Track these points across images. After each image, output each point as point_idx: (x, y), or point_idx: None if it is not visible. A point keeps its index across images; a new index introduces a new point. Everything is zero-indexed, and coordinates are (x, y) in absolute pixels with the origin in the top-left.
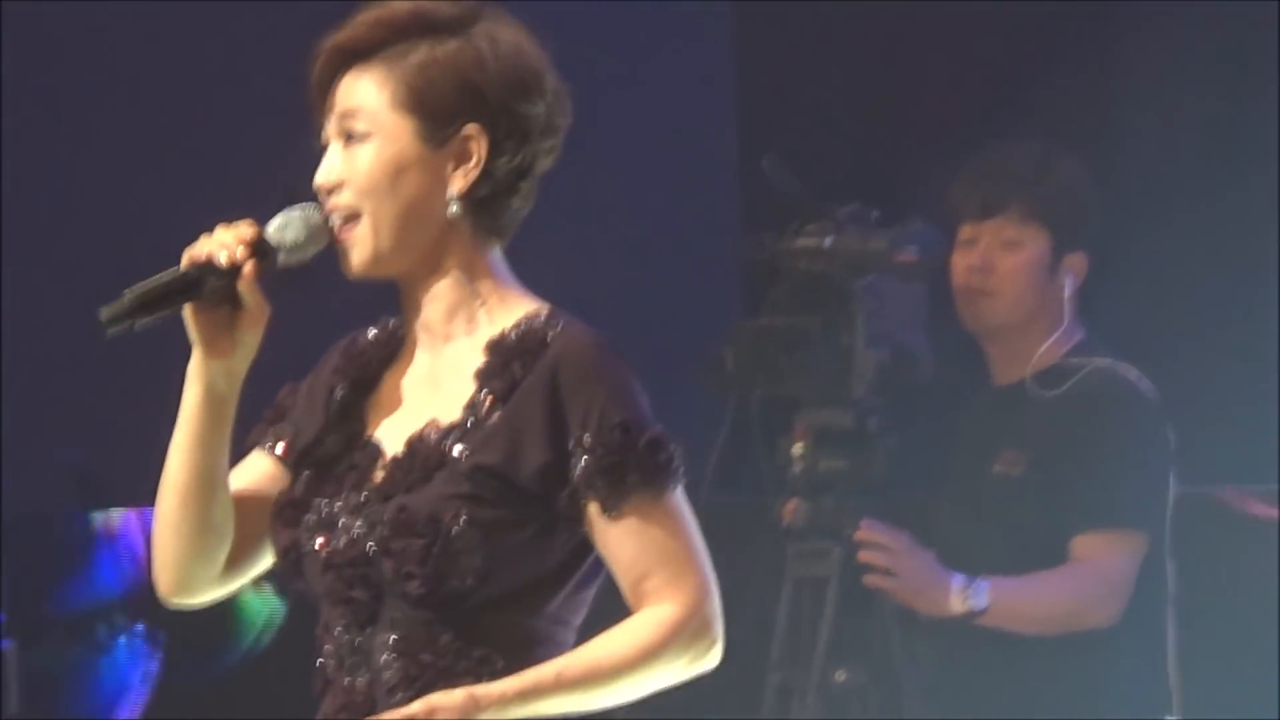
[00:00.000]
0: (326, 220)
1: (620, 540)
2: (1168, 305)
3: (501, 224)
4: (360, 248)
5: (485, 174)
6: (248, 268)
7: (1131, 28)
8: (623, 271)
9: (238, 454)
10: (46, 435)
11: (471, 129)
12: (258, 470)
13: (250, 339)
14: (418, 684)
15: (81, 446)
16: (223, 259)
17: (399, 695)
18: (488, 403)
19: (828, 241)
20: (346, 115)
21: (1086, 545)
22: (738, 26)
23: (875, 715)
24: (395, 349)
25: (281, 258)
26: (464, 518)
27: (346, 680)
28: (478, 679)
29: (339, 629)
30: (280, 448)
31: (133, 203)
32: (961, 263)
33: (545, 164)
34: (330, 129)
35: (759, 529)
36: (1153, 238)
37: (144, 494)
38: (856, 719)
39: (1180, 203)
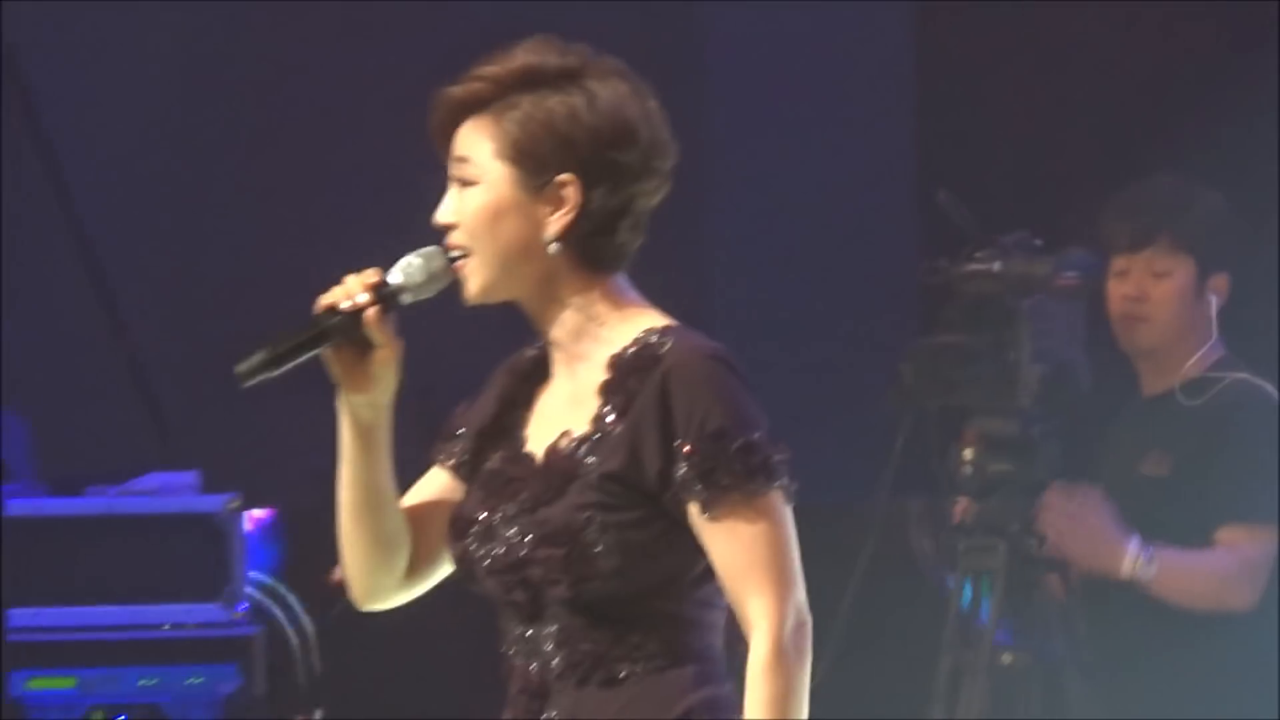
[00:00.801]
0: (447, 262)
1: (715, 539)
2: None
3: (607, 257)
4: (472, 280)
5: (583, 216)
6: (370, 312)
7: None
8: (814, 294)
9: (421, 469)
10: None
11: (565, 177)
12: (435, 484)
13: (385, 374)
14: (580, 669)
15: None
16: (346, 305)
17: (567, 680)
18: (611, 416)
19: (996, 266)
20: (459, 162)
21: (1230, 534)
22: (917, 74)
23: (1038, 693)
24: (548, 369)
25: (406, 298)
26: (596, 524)
27: (522, 665)
28: (633, 663)
29: (511, 625)
30: (454, 462)
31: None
32: (1116, 292)
33: (649, 201)
34: (450, 172)
35: (932, 526)
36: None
37: None
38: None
39: None
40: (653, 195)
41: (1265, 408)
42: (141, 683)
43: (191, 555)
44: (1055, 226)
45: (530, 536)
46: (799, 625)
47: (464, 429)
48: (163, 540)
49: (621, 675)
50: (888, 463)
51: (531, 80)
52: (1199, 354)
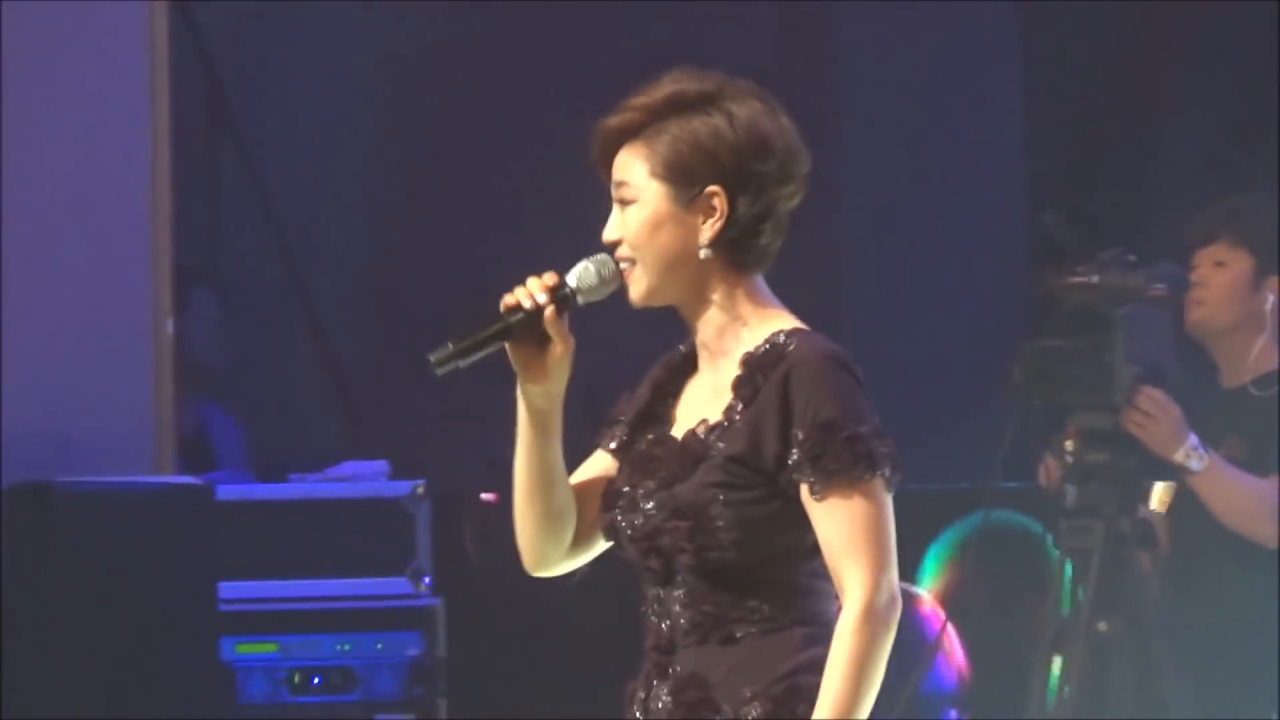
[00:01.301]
0: (615, 269)
1: (821, 518)
2: None
3: (752, 258)
4: (636, 286)
5: (730, 222)
6: (549, 311)
7: None
8: (934, 304)
9: (586, 452)
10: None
11: (713, 189)
12: (598, 465)
13: (559, 366)
14: (702, 629)
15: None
16: (527, 304)
17: (691, 637)
18: (739, 407)
19: (1095, 278)
20: (619, 185)
21: (1274, 479)
22: (1025, 103)
23: (1130, 656)
24: (687, 369)
25: (581, 299)
26: (719, 501)
27: (655, 624)
28: (749, 624)
29: (648, 587)
30: (614, 445)
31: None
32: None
33: (789, 205)
34: (612, 194)
35: (1038, 509)
36: None
37: None
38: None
39: None
40: (791, 199)
41: None
42: (336, 648)
43: (380, 535)
44: (1148, 242)
45: (664, 509)
46: (890, 598)
47: (623, 417)
48: (355, 522)
49: (738, 635)
50: (998, 452)
51: (676, 106)
52: (1261, 345)
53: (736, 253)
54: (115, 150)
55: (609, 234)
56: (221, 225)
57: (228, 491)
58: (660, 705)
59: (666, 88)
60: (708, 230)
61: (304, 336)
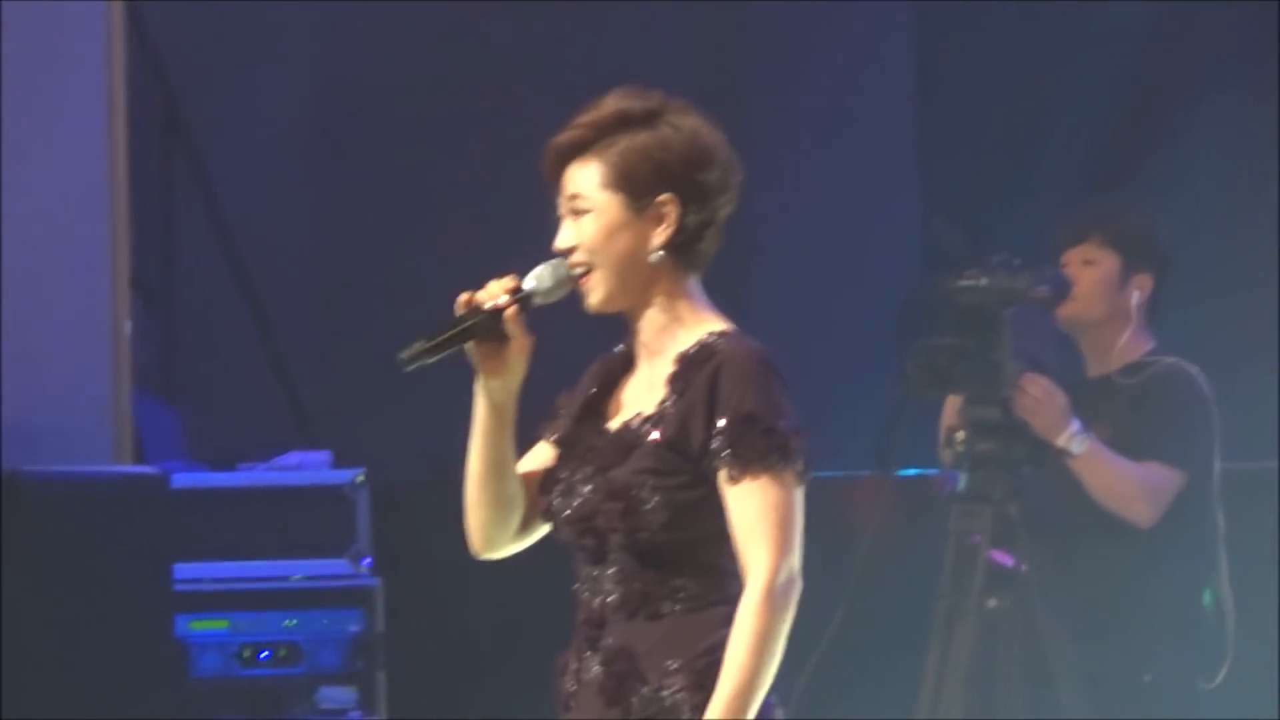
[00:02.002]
0: (569, 272)
1: (733, 501)
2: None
3: (695, 262)
4: (595, 292)
5: (679, 229)
6: (510, 310)
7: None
8: (831, 306)
9: (527, 445)
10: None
11: (665, 197)
12: (540, 456)
13: (518, 363)
14: (630, 605)
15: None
16: (489, 305)
17: (620, 612)
18: (672, 398)
19: (983, 281)
20: (573, 198)
21: (1149, 465)
22: (918, 108)
23: (1018, 632)
24: (633, 362)
25: (537, 300)
26: (648, 485)
27: (586, 600)
28: (674, 602)
29: (582, 565)
30: (555, 436)
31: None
32: None
33: (726, 212)
34: (563, 207)
35: (929, 495)
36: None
37: None
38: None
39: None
40: (728, 206)
41: (1191, 383)
42: (283, 625)
43: (323, 520)
44: (1033, 246)
45: (599, 493)
46: (789, 581)
47: (564, 410)
48: (300, 507)
49: (664, 612)
50: (893, 443)
51: (623, 122)
52: (1126, 337)
53: (681, 257)
54: (73, 156)
55: (562, 242)
56: (173, 225)
57: (181, 480)
58: (591, 675)
59: (612, 105)
60: (659, 236)
61: (251, 334)
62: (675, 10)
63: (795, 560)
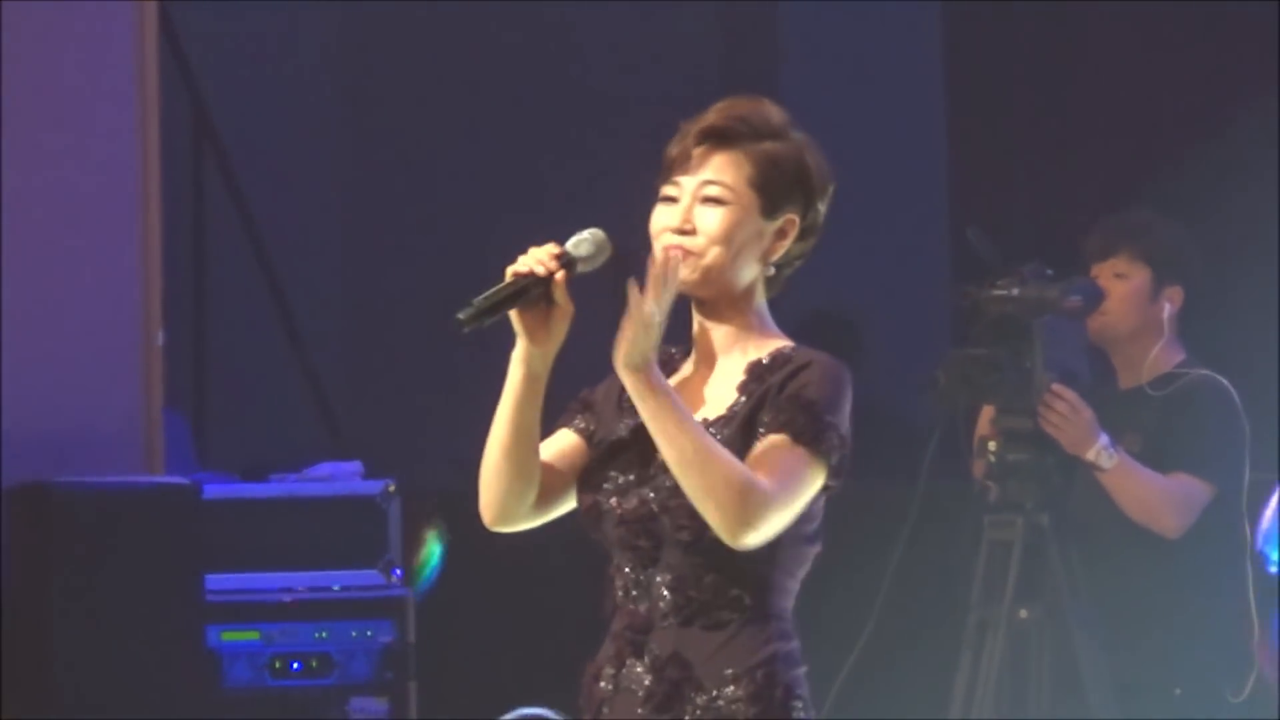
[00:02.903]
0: (607, 238)
1: (757, 445)
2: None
3: (776, 285)
4: (694, 270)
5: (788, 250)
6: (559, 275)
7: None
8: (867, 315)
9: (547, 431)
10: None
11: (792, 215)
12: (563, 441)
13: (560, 330)
14: (684, 612)
15: None
16: (541, 271)
17: (669, 620)
18: (743, 400)
19: (1015, 291)
20: (711, 183)
21: (1178, 476)
22: (949, 113)
23: (1049, 642)
24: (675, 365)
25: (580, 268)
26: None
27: (631, 606)
28: (734, 612)
29: (627, 569)
30: (581, 425)
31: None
32: None
33: (811, 247)
34: (684, 188)
35: (964, 505)
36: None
37: None
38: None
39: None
40: (814, 243)
41: (1222, 394)
42: (314, 635)
43: (355, 530)
44: (1066, 256)
45: (663, 491)
46: (760, 512)
47: (592, 402)
48: (331, 518)
49: (724, 621)
50: (925, 452)
51: (769, 127)
52: (1158, 349)
53: (773, 277)
54: (105, 163)
55: (672, 221)
56: (204, 234)
57: (213, 491)
58: (634, 681)
59: (764, 108)
60: (778, 249)
61: (282, 344)
62: (706, 10)
63: (777, 514)
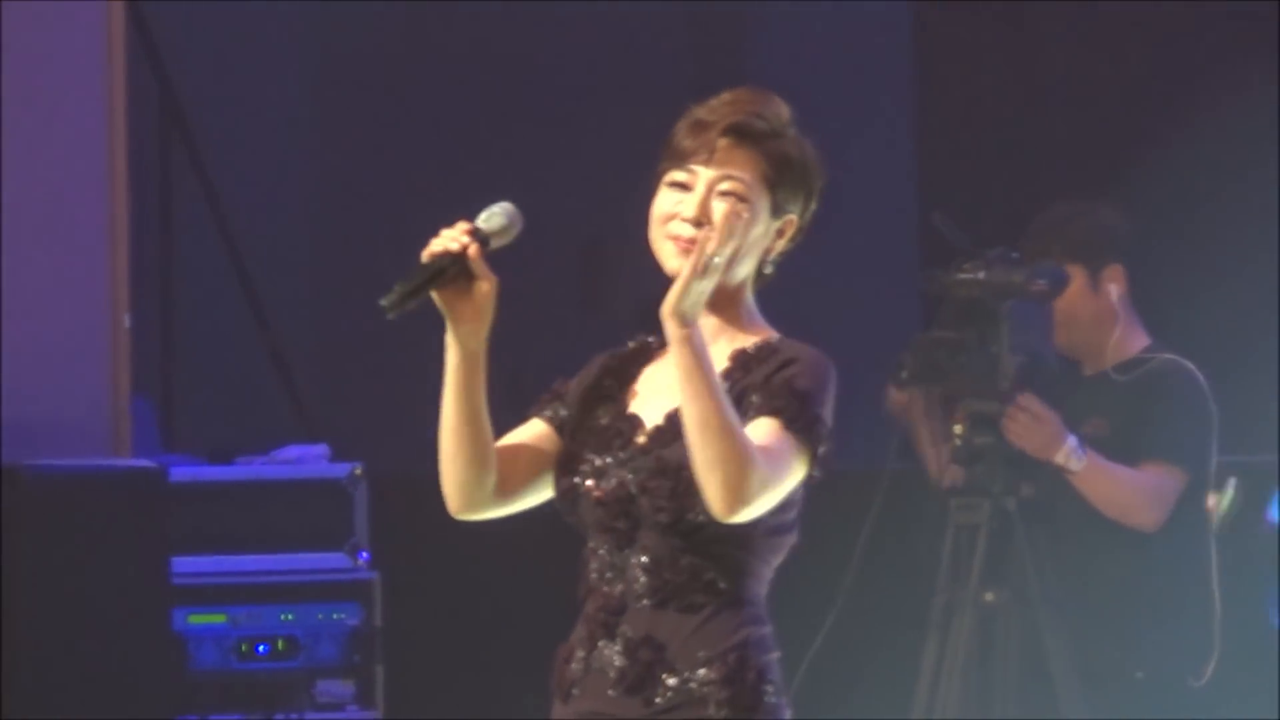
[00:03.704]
0: (516, 212)
1: (749, 427)
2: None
3: (760, 279)
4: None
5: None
6: (472, 249)
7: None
8: (832, 300)
9: (519, 421)
10: None
11: (794, 212)
12: (533, 430)
13: (486, 305)
14: (660, 594)
15: None
16: (454, 248)
17: (644, 601)
18: (727, 385)
19: (980, 274)
20: (729, 178)
21: (1149, 467)
22: (918, 103)
23: (1016, 625)
24: (650, 355)
25: (493, 242)
26: None
27: (605, 589)
28: (709, 595)
29: (603, 550)
30: (548, 414)
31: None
32: None
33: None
34: (701, 178)
35: (929, 488)
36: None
37: None
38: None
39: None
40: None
41: (1189, 378)
42: (281, 618)
43: (322, 513)
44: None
45: (643, 472)
46: (763, 481)
47: (563, 392)
48: (298, 501)
49: (699, 604)
50: (892, 436)
51: (782, 126)
52: (1118, 334)
53: (765, 272)
54: (72, 151)
55: (686, 211)
56: (171, 218)
57: (180, 474)
58: (605, 662)
59: (775, 106)
60: (780, 246)
61: (249, 327)
62: (674, 9)
63: (769, 494)
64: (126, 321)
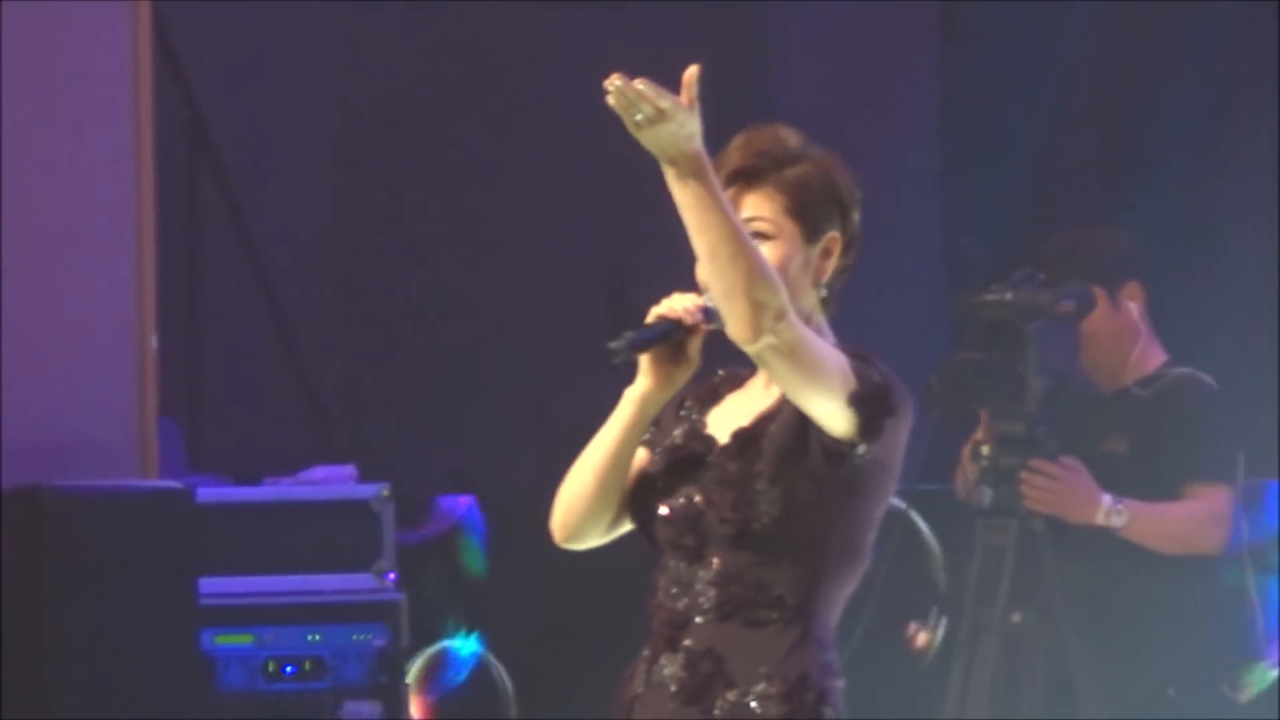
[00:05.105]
0: None
1: None
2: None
3: (832, 301)
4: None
5: (836, 267)
6: (701, 328)
7: None
8: (859, 321)
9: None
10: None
11: (834, 235)
12: (636, 460)
13: (682, 379)
14: (725, 608)
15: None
16: (687, 321)
17: (709, 615)
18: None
19: (1008, 296)
20: (751, 221)
21: (1195, 489)
22: (944, 117)
23: (1042, 646)
24: (739, 383)
25: (715, 323)
26: (766, 475)
27: (670, 604)
28: (774, 611)
29: (671, 566)
30: (648, 440)
31: None
32: None
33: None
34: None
35: (957, 509)
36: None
37: None
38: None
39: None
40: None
41: (1207, 391)
42: (308, 639)
43: (348, 534)
44: (1058, 262)
45: (710, 488)
46: (790, 325)
47: (661, 420)
48: (325, 522)
49: (764, 620)
50: (918, 455)
51: (791, 155)
52: (1138, 350)
53: (827, 296)
54: (99, 168)
55: None
56: (199, 238)
57: (207, 495)
58: (666, 675)
59: (782, 137)
60: (827, 270)
61: (277, 347)
62: (699, 11)
63: (794, 350)
64: (154, 342)
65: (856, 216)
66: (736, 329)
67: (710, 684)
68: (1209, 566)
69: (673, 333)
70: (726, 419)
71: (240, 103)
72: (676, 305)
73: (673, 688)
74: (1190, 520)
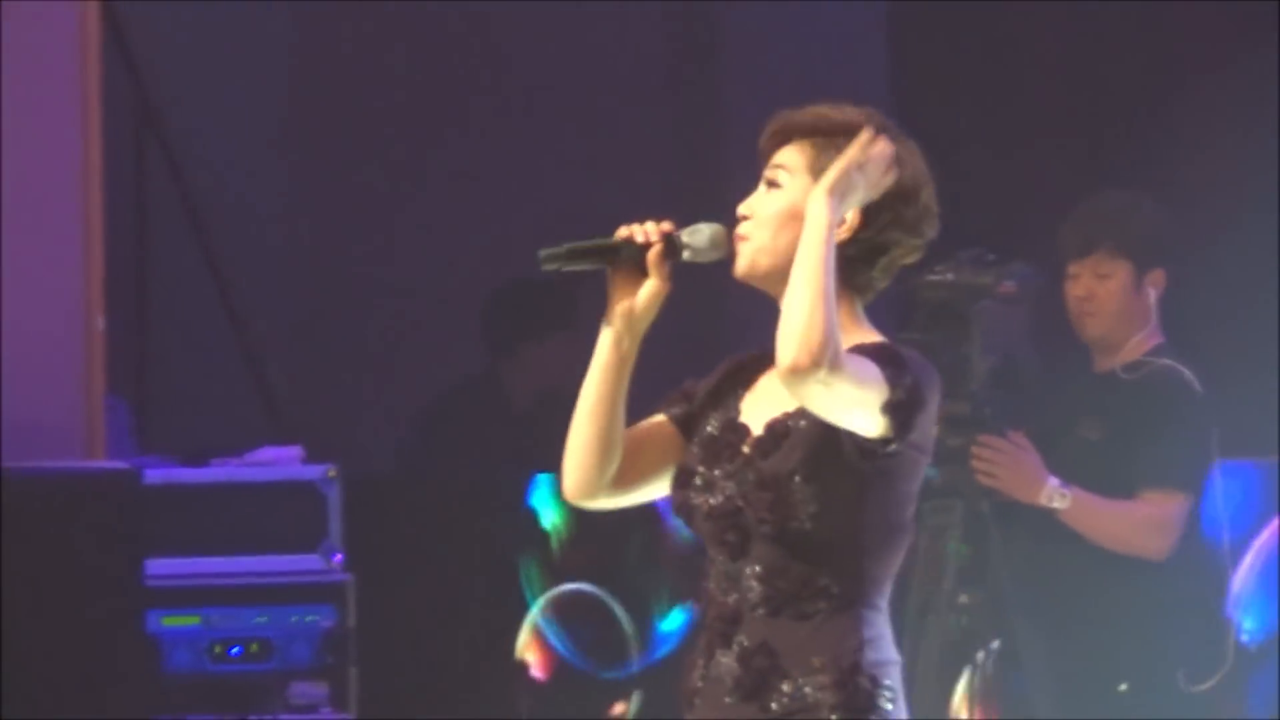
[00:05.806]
0: (728, 238)
1: None
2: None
3: (858, 283)
4: (743, 259)
5: (852, 240)
6: (655, 249)
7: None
8: None
9: (648, 413)
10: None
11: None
12: (658, 427)
13: (651, 304)
14: (773, 603)
15: None
16: (639, 238)
17: (759, 610)
18: None
19: (950, 276)
20: (777, 167)
21: (1149, 494)
22: (894, 107)
23: (988, 627)
24: (764, 366)
25: (686, 255)
26: (801, 473)
27: (721, 599)
28: (821, 601)
29: (718, 561)
30: (675, 412)
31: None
32: (1070, 293)
33: (905, 258)
34: (764, 174)
35: None
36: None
37: None
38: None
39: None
40: (909, 254)
41: (1184, 392)
42: (254, 620)
43: (296, 515)
44: (1014, 240)
45: (746, 484)
46: (839, 361)
47: (691, 392)
48: (272, 503)
49: (811, 611)
50: None
51: (842, 126)
52: (1138, 337)
53: (848, 271)
54: (46, 152)
55: (745, 206)
56: (146, 219)
57: (154, 476)
58: (722, 671)
59: (845, 111)
60: (862, 238)
61: (224, 329)
62: (648, 9)
63: (838, 381)
64: (100, 323)
65: (902, 208)
66: (797, 353)
67: (765, 679)
68: (1161, 567)
69: (618, 250)
70: (760, 407)
71: (190, 83)
72: (636, 227)
73: (729, 683)
74: (1131, 523)
